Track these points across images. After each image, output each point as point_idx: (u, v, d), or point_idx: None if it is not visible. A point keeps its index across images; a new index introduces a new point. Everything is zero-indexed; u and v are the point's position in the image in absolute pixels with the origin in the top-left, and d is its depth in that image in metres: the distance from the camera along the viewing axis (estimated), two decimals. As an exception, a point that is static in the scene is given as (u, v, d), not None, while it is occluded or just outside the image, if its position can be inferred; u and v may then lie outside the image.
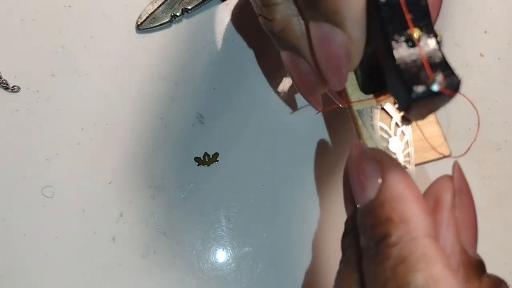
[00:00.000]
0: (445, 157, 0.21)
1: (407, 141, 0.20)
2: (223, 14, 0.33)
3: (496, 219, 0.33)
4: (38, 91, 0.31)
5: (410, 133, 0.20)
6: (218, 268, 0.31)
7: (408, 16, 0.16)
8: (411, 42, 0.16)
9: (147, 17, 0.32)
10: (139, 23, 0.32)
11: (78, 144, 0.31)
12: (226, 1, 0.33)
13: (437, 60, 0.16)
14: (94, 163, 0.31)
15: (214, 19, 0.33)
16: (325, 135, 0.33)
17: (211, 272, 0.31)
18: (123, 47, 0.32)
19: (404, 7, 0.16)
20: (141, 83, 0.32)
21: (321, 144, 0.33)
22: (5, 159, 0.31)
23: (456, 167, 0.18)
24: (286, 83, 0.33)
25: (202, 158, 0.32)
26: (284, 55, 0.22)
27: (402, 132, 0.20)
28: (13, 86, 0.31)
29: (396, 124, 0.20)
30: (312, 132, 0.33)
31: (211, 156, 0.32)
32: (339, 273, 0.18)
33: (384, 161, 0.17)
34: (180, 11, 0.32)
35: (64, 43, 0.32)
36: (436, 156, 0.20)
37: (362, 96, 0.21)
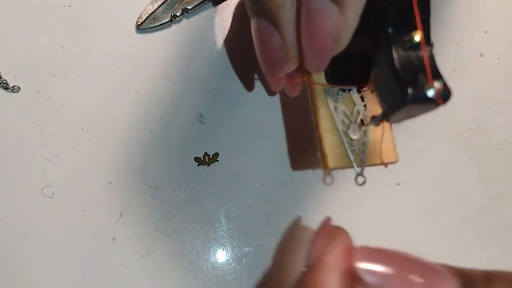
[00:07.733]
0: (391, 163, 0.21)
1: (365, 134, 0.20)
2: (223, 14, 0.33)
3: (496, 219, 0.33)
4: (38, 91, 0.31)
5: (368, 133, 0.20)
6: (218, 268, 0.31)
7: (419, 17, 0.16)
8: (410, 44, 0.16)
9: (147, 17, 0.32)
10: (139, 23, 0.32)
11: (78, 144, 0.31)
12: (226, 1, 0.33)
13: (434, 68, 0.16)
14: (94, 163, 0.31)
15: (214, 19, 0.33)
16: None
17: (211, 272, 0.31)
18: (123, 47, 0.32)
19: (416, 7, 0.15)
20: (141, 83, 0.32)
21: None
22: (5, 159, 0.31)
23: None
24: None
25: (202, 158, 0.32)
26: (256, 23, 0.20)
27: (363, 126, 0.20)
28: (13, 86, 0.31)
29: (362, 121, 0.20)
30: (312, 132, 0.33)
31: (211, 156, 0.32)
32: None
33: (334, 236, 0.18)
34: (180, 11, 0.32)
35: (64, 43, 0.32)
36: (384, 161, 0.20)
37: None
